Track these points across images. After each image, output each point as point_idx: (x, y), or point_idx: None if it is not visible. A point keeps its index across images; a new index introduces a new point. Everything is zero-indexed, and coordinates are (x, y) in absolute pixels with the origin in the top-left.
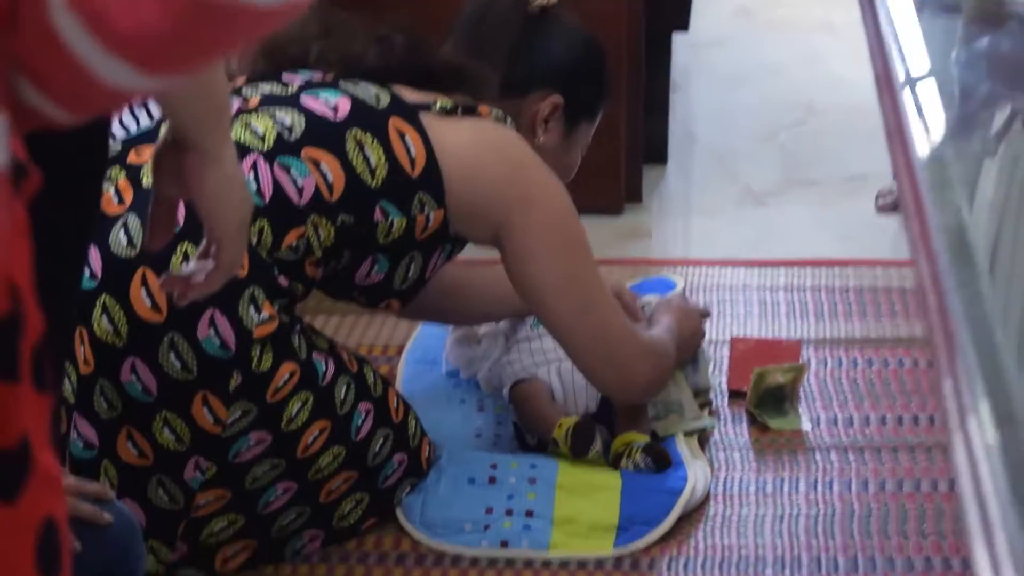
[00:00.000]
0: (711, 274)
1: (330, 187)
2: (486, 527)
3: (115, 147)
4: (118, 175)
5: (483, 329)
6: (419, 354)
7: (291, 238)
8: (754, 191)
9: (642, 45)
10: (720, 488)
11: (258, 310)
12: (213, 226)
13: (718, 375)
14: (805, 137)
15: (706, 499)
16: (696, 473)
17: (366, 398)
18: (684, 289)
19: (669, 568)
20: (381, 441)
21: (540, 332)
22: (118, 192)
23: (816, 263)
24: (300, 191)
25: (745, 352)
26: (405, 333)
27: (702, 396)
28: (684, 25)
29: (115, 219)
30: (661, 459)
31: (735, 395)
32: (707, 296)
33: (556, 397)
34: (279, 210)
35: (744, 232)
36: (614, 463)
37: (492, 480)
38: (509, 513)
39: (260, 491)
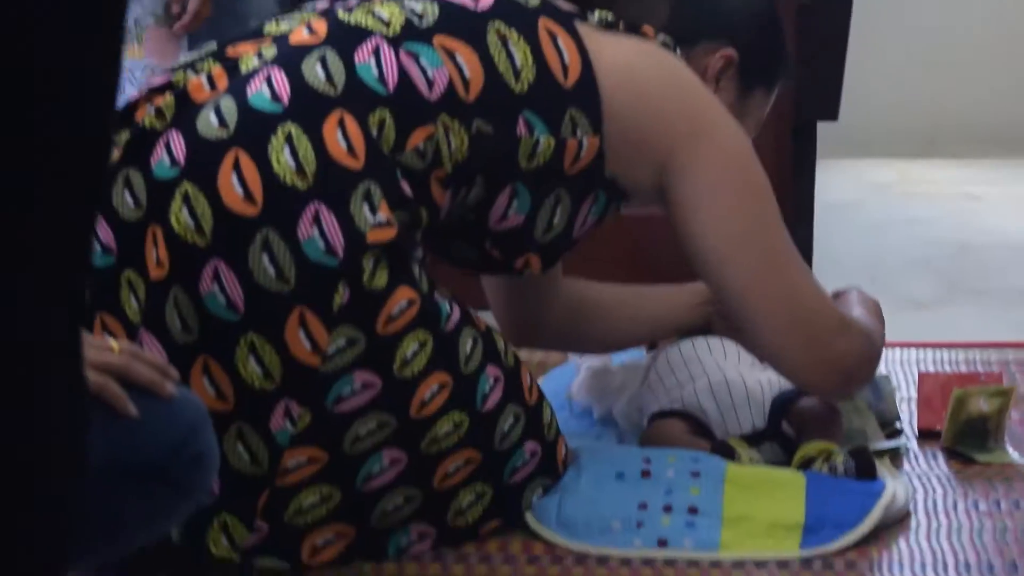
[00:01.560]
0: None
1: (466, 84)
2: (639, 524)
3: (210, 47)
4: (211, 65)
5: (621, 358)
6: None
7: (418, 138)
8: (914, 299)
9: (788, 136)
10: (922, 506)
11: (373, 210)
12: None
13: (905, 410)
14: (964, 264)
15: (907, 514)
16: (895, 484)
17: (495, 362)
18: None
19: (872, 570)
20: (511, 420)
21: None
22: (210, 79)
23: (1003, 345)
24: (431, 83)
25: (936, 387)
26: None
27: (887, 428)
28: (833, 114)
29: (203, 105)
30: (868, 466)
31: (926, 435)
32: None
33: (712, 420)
34: (405, 102)
35: (906, 333)
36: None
37: (645, 474)
38: (667, 509)
39: (362, 457)
